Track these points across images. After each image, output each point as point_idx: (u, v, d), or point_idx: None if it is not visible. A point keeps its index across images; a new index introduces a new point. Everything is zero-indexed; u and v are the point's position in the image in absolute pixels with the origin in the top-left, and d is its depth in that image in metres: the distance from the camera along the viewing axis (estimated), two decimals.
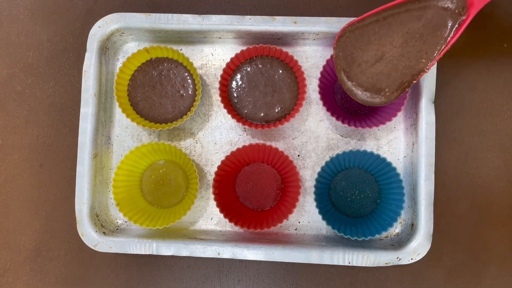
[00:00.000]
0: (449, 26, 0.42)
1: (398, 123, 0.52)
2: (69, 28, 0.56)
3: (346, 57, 0.46)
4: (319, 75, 0.50)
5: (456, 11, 0.42)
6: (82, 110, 0.51)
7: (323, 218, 0.48)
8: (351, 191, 0.51)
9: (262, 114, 0.50)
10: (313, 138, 0.52)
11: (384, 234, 0.50)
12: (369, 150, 0.48)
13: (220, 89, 0.50)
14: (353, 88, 0.46)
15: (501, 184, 0.51)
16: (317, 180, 0.49)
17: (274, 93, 0.51)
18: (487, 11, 0.53)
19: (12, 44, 0.56)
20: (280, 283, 0.52)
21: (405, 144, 0.51)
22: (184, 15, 0.51)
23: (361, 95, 0.45)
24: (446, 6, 0.42)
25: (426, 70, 0.43)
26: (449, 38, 0.42)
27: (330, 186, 0.51)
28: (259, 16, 0.51)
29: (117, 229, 0.52)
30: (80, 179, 0.50)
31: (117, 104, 0.51)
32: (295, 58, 0.50)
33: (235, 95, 0.51)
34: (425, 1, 0.43)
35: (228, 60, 0.51)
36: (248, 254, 0.48)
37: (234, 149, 0.50)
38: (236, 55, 0.50)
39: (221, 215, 0.49)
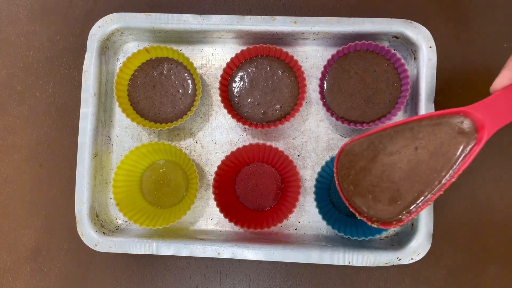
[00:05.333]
0: (457, 153, 0.38)
1: None
2: (69, 28, 0.56)
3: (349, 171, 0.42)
4: (319, 75, 0.50)
5: (463, 139, 0.38)
6: (82, 110, 0.51)
7: (323, 218, 0.48)
8: None
9: (262, 114, 0.50)
10: (313, 138, 0.52)
11: (384, 234, 0.50)
12: None
13: (220, 89, 0.50)
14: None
15: (501, 184, 0.51)
16: (317, 180, 0.49)
17: (274, 93, 0.51)
18: (487, 11, 0.53)
19: (12, 44, 0.56)
20: (280, 283, 0.52)
21: None
22: (184, 15, 0.51)
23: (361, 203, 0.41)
24: (455, 130, 0.38)
25: (431, 200, 0.39)
26: (457, 165, 0.38)
27: (330, 186, 0.51)
28: (259, 16, 0.51)
29: (117, 229, 0.52)
30: (80, 179, 0.50)
31: (117, 104, 0.51)
32: (295, 58, 0.50)
33: (235, 95, 0.51)
34: (434, 120, 0.38)
35: (228, 60, 0.51)
36: (248, 254, 0.48)
37: (234, 149, 0.50)
38: (236, 55, 0.50)
39: (221, 215, 0.49)
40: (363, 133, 0.44)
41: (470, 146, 0.37)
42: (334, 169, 0.42)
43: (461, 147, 0.38)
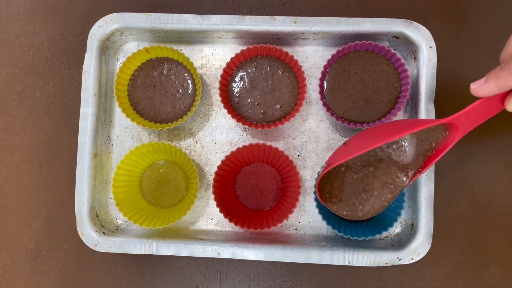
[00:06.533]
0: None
1: None
2: (69, 28, 0.56)
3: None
4: (319, 75, 0.50)
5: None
6: (82, 110, 0.51)
7: (323, 218, 0.48)
8: None
9: (262, 114, 0.50)
10: (313, 138, 0.52)
11: (384, 234, 0.50)
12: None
13: (220, 89, 0.50)
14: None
15: (501, 184, 0.51)
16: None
17: (274, 93, 0.51)
18: (488, 11, 0.53)
19: (12, 44, 0.56)
20: (280, 283, 0.52)
21: None
22: (184, 15, 0.51)
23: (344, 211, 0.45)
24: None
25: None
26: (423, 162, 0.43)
27: None
28: (259, 16, 0.51)
29: (117, 229, 0.52)
30: (80, 179, 0.50)
31: (117, 104, 0.51)
32: (295, 58, 0.50)
33: (235, 95, 0.51)
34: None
35: (228, 60, 0.51)
36: (248, 254, 0.48)
37: (234, 149, 0.50)
38: (236, 55, 0.50)
39: (221, 215, 0.49)
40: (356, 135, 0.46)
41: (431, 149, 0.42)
42: (316, 190, 0.44)
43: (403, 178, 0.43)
